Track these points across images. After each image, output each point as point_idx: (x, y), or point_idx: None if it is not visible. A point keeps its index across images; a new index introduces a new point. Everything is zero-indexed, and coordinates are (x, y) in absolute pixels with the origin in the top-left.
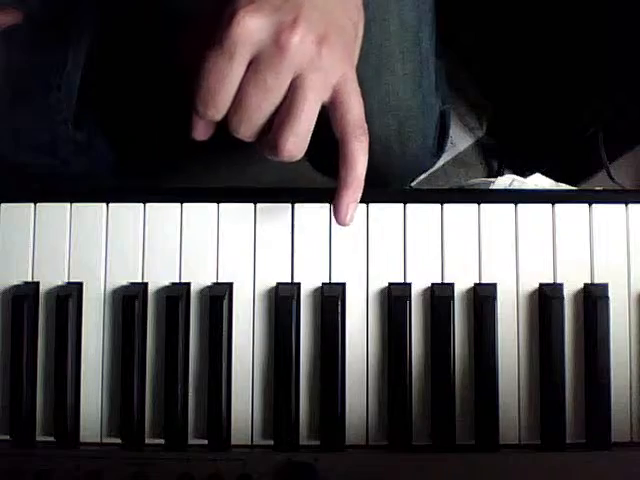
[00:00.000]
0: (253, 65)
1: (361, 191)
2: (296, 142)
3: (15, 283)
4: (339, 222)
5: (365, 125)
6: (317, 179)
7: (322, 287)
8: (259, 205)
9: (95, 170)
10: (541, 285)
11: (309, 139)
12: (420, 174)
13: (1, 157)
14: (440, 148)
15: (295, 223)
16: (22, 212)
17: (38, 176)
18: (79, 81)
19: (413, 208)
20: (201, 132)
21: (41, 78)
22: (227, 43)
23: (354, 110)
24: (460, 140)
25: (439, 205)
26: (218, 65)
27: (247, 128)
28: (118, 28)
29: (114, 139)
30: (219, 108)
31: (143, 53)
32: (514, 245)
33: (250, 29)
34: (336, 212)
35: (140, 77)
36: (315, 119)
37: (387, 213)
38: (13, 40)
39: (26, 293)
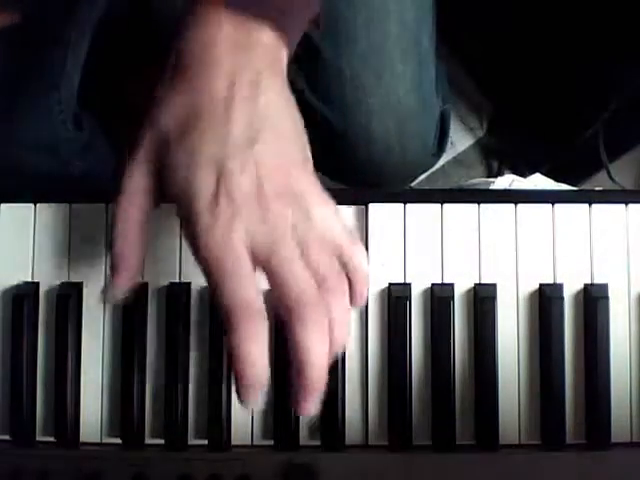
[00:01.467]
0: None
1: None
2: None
3: (15, 283)
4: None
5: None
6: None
7: None
8: None
9: (95, 170)
10: (541, 285)
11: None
12: (420, 174)
13: (1, 157)
14: (440, 148)
15: None
16: (22, 212)
17: (38, 176)
18: (79, 81)
19: (413, 208)
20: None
21: (41, 78)
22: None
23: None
24: (460, 140)
25: (439, 205)
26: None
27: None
28: (117, 28)
29: (114, 139)
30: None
31: (143, 52)
32: (514, 245)
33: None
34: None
35: (140, 76)
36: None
37: (387, 213)
38: (12, 40)
39: (26, 293)
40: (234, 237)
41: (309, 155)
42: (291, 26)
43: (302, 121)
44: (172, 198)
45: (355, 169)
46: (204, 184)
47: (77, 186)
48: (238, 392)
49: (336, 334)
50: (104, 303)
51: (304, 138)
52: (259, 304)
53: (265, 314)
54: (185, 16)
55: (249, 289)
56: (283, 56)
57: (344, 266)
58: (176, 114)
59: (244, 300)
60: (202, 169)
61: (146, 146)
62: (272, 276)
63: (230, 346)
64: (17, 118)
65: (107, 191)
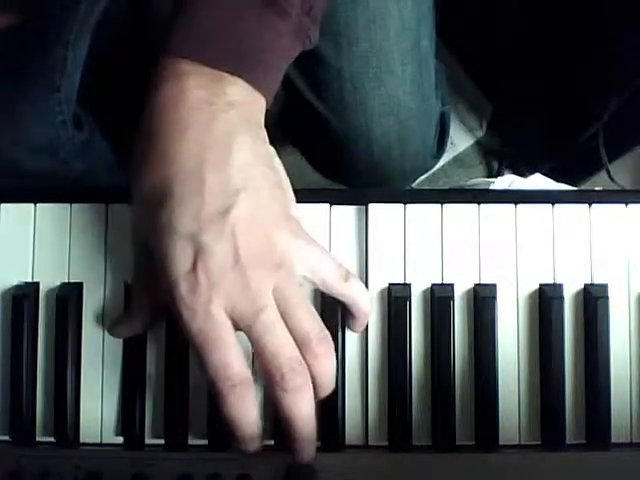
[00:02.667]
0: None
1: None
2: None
3: (15, 283)
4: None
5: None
6: (315, 179)
7: None
8: None
9: (95, 170)
10: (541, 285)
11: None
12: (420, 175)
13: (1, 157)
14: (440, 149)
15: None
16: (22, 212)
17: (38, 176)
18: (79, 81)
19: (413, 208)
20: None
21: (41, 79)
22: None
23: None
24: (460, 140)
25: (439, 205)
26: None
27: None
28: (117, 28)
29: (114, 139)
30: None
31: (142, 52)
32: (514, 245)
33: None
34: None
35: (139, 76)
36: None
37: (387, 213)
38: (13, 41)
39: (26, 293)
40: (214, 311)
41: (291, 207)
42: (269, 74)
43: (282, 171)
44: (156, 267)
45: (355, 169)
46: (181, 261)
47: (77, 186)
48: (237, 443)
49: (318, 390)
50: (104, 303)
51: (284, 190)
52: (243, 373)
53: (250, 378)
54: (152, 70)
55: (232, 360)
56: (259, 107)
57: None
58: (151, 186)
59: (227, 372)
60: (178, 245)
61: (135, 214)
62: (253, 342)
63: (220, 410)
64: (17, 119)
65: (107, 191)
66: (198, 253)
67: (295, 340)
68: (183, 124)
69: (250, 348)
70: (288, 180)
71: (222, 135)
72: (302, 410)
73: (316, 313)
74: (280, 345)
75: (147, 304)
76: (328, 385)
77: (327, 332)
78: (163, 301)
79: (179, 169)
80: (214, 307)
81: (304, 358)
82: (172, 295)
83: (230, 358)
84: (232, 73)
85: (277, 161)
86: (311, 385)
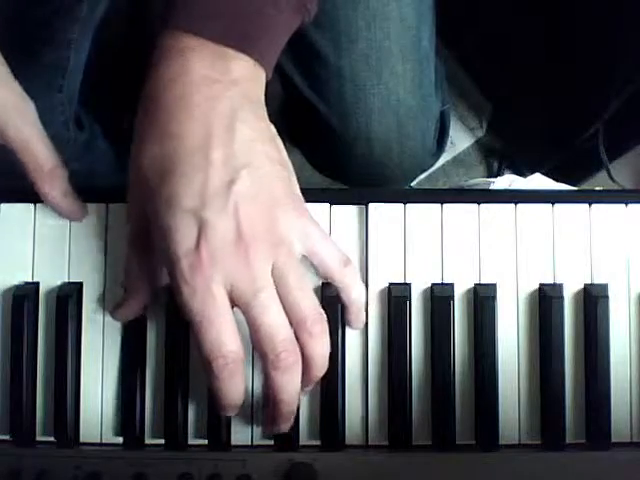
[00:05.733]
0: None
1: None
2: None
3: (15, 283)
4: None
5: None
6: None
7: (322, 286)
8: None
9: (95, 170)
10: (541, 285)
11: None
12: (419, 174)
13: (3, 157)
14: (439, 148)
15: None
16: (22, 212)
17: None
18: (80, 82)
19: (413, 208)
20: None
21: (44, 79)
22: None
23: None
24: (460, 140)
25: (439, 205)
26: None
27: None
28: (115, 28)
29: (113, 139)
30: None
31: (141, 52)
32: (514, 245)
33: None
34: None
35: (140, 76)
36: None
37: (387, 213)
38: (16, 41)
39: (26, 293)
40: (214, 287)
41: (294, 186)
42: (271, 49)
43: (284, 151)
44: (155, 244)
45: (354, 168)
46: (184, 236)
47: (77, 186)
48: (218, 408)
49: (313, 369)
50: (104, 303)
51: (287, 168)
52: (236, 351)
53: (242, 357)
54: (153, 45)
55: (227, 337)
56: (260, 82)
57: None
58: (153, 162)
59: (222, 350)
60: (181, 221)
61: (132, 192)
62: (249, 320)
63: (209, 385)
64: None
65: (107, 191)
66: (201, 229)
67: (290, 318)
68: (187, 101)
69: (250, 351)
70: (290, 163)
71: (226, 113)
72: (289, 389)
73: (312, 291)
74: (275, 326)
75: (144, 285)
76: (322, 364)
77: (322, 311)
78: (159, 279)
79: (182, 145)
80: (214, 285)
81: (299, 337)
82: (173, 271)
83: (225, 336)
84: (236, 49)
85: (279, 141)
86: (301, 365)
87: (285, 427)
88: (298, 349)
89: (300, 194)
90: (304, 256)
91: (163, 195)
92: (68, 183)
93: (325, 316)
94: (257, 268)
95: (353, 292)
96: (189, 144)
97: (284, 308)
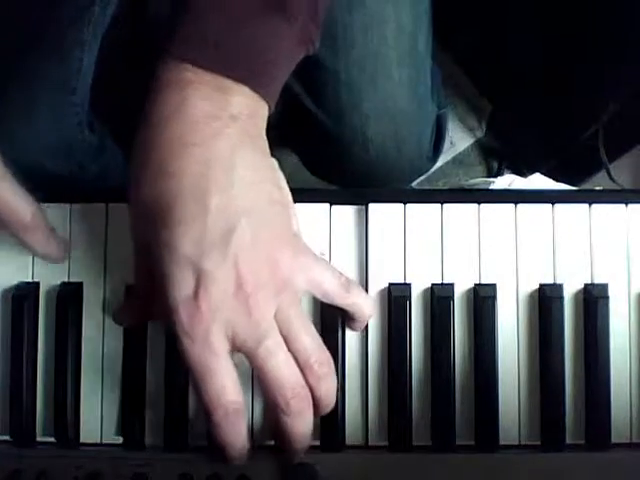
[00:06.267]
0: None
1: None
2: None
3: (15, 283)
4: None
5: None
6: (315, 179)
7: None
8: None
9: (107, 173)
10: (541, 285)
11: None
12: (416, 178)
13: (18, 160)
14: (436, 152)
15: None
16: None
17: (53, 179)
18: (91, 83)
19: (413, 208)
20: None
21: (58, 81)
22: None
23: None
24: (460, 140)
25: (439, 205)
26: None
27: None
28: (119, 30)
29: (125, 141)
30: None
31: (145, 55)
32: (514, 245)
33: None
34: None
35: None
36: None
37: (387, 213)
38: (29, 43)
39: (26, 293)
40: (213, 339)
41: (293, 224)
42: (275, 81)
43: (285, 186)
44: (157, 283)
45: (351, 173)
46: (181, 286)
47: (90, 188)
48: (221, 454)
49: (321, 407)
50: (104, 303)
51: (286, 207)
52: (237, 401)
53: (243, 406)
54: (153, 74)
55: (227, 388)
56: (262, 115)
57: None
58: (149, 199)
59: (222, 400)
60: (178, 269)
61: (135, 224)
62: (256, 368)
63: (211, 432)
64: (35, 121)
65: (107, 191)
66: (200, 279)
67: (297, 361)
68: (185, 139)
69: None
70: (290, 195)
71: (225, 153)
72: (302, 430)
73: (317, 333)
74: (284, 373)
75: (147, 299)
76: (329, 403)
77: (328, 353)
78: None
79: (180, 187)
80: (213, 335)
81: (307, 380)
82: (172, 317)
83: (225, 386)
84: (238, 81)
85: (279, 176)
86: (312, 406)
87: (301, 453)
88: (308, 392)
89: (297, 231)
90: None
91: (163, 239)
92: (46, 223)
93: (330, 357)
94: (259, 316)
95: (364, 311)
96: (186, 187)
97: (289, 350)
